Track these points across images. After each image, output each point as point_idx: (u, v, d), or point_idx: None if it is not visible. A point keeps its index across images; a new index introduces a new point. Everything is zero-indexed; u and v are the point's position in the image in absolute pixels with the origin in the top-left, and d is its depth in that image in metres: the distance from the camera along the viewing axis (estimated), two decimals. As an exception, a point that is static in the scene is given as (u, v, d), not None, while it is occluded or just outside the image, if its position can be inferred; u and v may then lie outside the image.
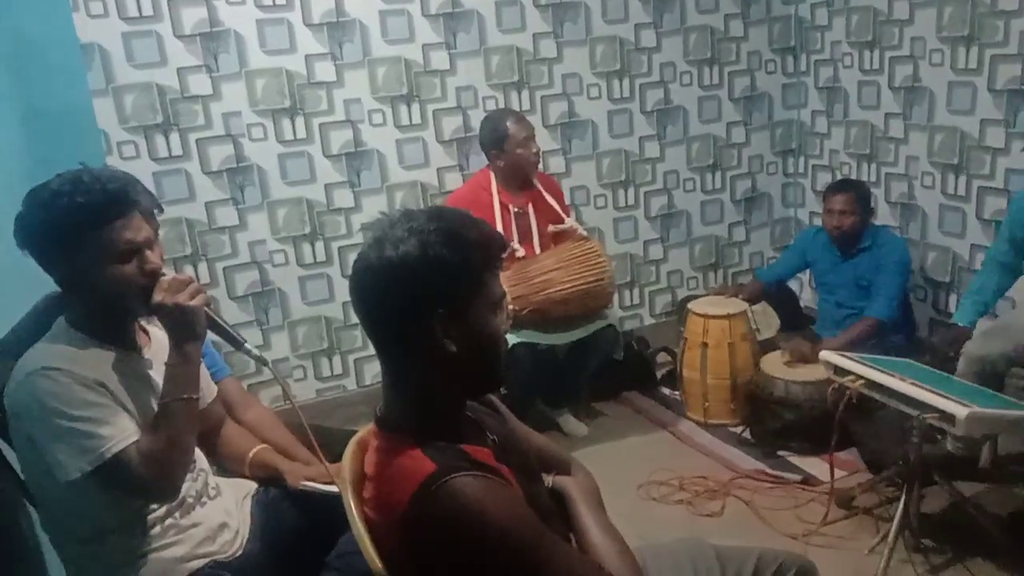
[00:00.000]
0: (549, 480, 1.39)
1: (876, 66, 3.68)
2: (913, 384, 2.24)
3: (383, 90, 3.33)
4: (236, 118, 3.15)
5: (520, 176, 3.25)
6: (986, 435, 2.61)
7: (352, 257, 3.79)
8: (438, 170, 3.50)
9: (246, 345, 1.65)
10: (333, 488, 1.71)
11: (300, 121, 3.25)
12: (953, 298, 3.53)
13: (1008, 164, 3.21)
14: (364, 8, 3.23)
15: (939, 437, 2.71)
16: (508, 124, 3.19)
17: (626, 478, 2.93)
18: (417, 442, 1.17)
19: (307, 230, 3.36)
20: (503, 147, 3.19)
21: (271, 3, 3.10)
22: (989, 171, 3.29)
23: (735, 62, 3.94)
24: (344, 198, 3.39)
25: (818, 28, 3.94)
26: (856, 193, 3.36)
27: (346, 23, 3.22)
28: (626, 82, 3.74)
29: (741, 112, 4.03)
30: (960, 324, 2.82)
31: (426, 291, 1.16)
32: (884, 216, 3.77)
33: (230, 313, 3.26)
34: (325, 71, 3.23)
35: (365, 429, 1.37)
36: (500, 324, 1.24)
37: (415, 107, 3.40)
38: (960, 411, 2.07)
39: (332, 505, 1.63)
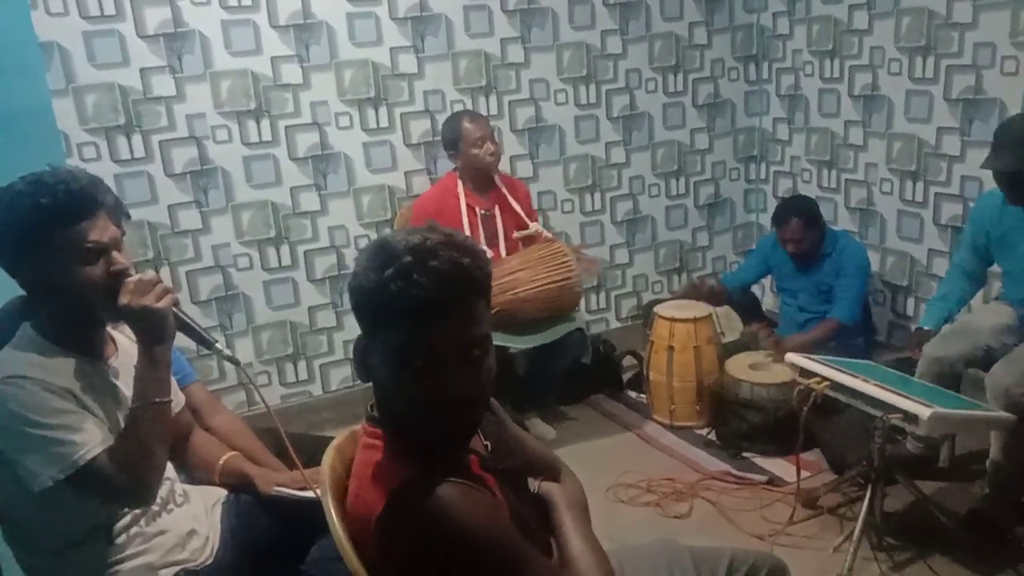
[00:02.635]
0: (535, 486, 1.37)
1: (836, 74, 3.76)
2: (876, 385, 2.29)
3: (350, 93, 3.31)
4: (200, 120, 3.11)
5: (480, 176, 3.25)
6: (946, 434, 2.69)
7: (318, 261, 3.72)
8: (405, 174, 3.49)
9: (217, 345, 1.63)
10: (306, 493, 1.69)
11: (266, 123, 3.21)
12: (912, 302, 3.61)
13: (963, 171, 3.30)
14: (331, 10, 3.21)
15: (900, 437, 2.78)
16: (463, 124, 3.21)
17: (594, 480, 2.91)
18: (401, 442, 1.17)
19: (272, 233, 3.33)
20: (458, 147, 3.22)
21: (236, 4, 3.06)
22: (945, 178, 3.37)
23: (699, 69, 4.00)
24: (310, 201, 3.36)
25: (780, 37, 4.01)
26: (804, 218, 3.35)
27: (313, 25, 3.19)
28: (592, 88, 3.76)
29: (705, 119, 4.08)
30: (925, 327, 2.86)
31: (358, 313, 1.17)
32: (844, 221, 3.85)
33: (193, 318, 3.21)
34: (291, 73, 3.20)
35: (344, 434, 1.36)
36: (412, 378, 1.11)
37: (382, 110, 3.38)
38: (923, 411, 2.12)
39: (305, 511, 1.62)
